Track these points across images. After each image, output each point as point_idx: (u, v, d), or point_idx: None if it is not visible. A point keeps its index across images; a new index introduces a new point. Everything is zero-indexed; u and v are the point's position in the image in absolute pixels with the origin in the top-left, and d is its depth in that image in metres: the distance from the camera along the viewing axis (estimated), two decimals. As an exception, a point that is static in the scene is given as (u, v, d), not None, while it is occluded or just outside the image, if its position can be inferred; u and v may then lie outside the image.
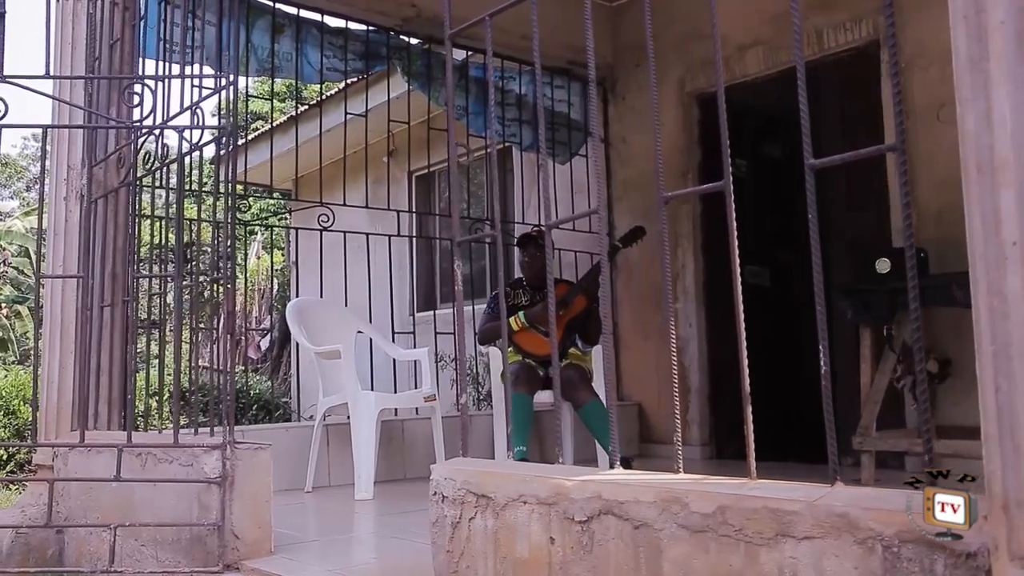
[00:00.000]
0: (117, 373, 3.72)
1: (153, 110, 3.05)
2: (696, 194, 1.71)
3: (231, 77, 2.91)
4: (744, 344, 1.63)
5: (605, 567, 1.67)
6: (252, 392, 7.31)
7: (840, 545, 1.33)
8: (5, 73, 2.87)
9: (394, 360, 4.96)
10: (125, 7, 3.88)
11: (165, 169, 3.36)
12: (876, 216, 4.57)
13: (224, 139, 2.94)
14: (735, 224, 1.66)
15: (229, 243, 2.87)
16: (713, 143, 5.64)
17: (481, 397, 6.07)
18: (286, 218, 11.31)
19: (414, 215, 7.07)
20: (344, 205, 5.11)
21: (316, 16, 4.86)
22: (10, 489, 6.03)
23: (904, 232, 1.44)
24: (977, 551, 1.18)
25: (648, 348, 5.52)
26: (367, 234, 5.21)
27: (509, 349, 4.47)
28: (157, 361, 3.49)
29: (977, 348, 1.20)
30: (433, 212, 7.45)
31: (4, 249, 14.76)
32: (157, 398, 3.97)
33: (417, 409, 4.70)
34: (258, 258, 11.87)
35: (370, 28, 5.04)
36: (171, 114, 3.15)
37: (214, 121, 3.08)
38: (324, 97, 5.93)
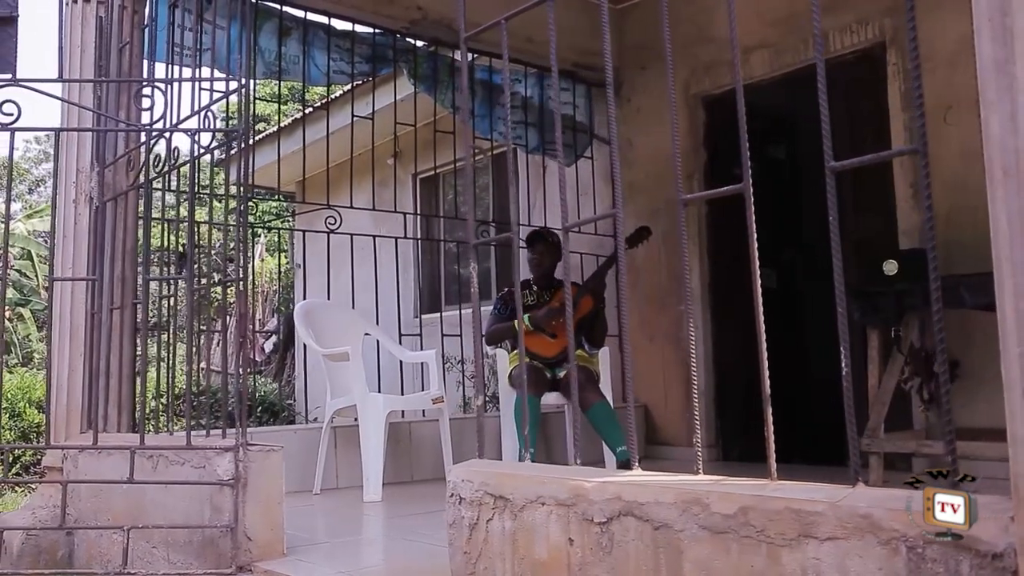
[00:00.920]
0: (126, 375, 3.72)
1: (165, 113, 3.05)
2: (713, 196, 1.72)
3: (243, 80, 2.92)
4: (764, 346, 1.63)
5: (625, 568, 1.67)
6: (258, 395, 7.31)
7: (864, 546, 1.34)
8: (17, 76, 2.87)
9: (401, 362, 4.96)
10: (134, 11, 3.89)
11: (176, 172, 3.36)
12: (882, 218, 4.57)
13: (236, 141, 2.94)
14: (754, 227, 1.66)
15: (242, 245, 2.88)
16: (718, 145, 5.67)
17: (487, 399, 6.07)
18: (288, 220, 11.32)
19: (419, 217, 7.08)
20: (351, 207, 5.11)
21: (323, 19, 4.87)
22: (15, 491, 6.03)
23: (926, 235, 1.45)
24: (1003, 552, 1.19)
25: (654, 350, 5.52)
26: (374, 236, 5.21)
27: (515, 352, 4.48)
28: (165, 364, 3.50)
29: (1002, 350, 1.21)
30: (438, 214, 7.46)
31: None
32: (165, 400, 3.98)
33: (424, 411, 4.70)
34: (261, 260, 11.87)
35: (376, 31, 5.06)
36: (181, 117, 3.16)
37: (221, 124, 3.09)
38: (330, 99, 5.93)
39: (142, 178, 3.49)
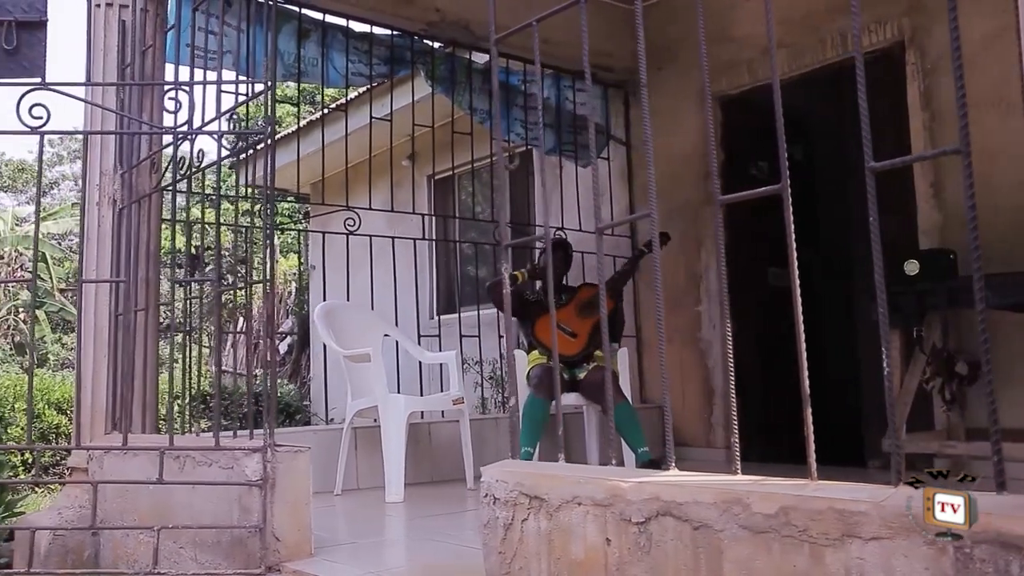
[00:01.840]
0: (150, 377, 3.75)
1: (191, 116, 3.07)
2: (750, 198, 1.73)
3: (268, 82, 2.94)
4: (803, 347, 1.64)
5: (663, 567, 1.68)
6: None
7: (909, 546, 1.34)
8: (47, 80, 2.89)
9: (420, 363, 4.98)
10: (156, 14, 3.92)
11: (200, 173, 3.38)
12: (903, 218, 4.57)
13: (262, 143, 2.96)
14: (792, 227, 1.67)
15: (268, 246, 2.89)
16: (735, 146, 5.67)
17: (503, 399, 6.08)
18: (300, 222, 11.37)
19: (433, 218, 7.09)
20: (370, 209, 5.13)
21: (341, 21, 4.89)
22: (35, 491, 6.07)
23: (969, 235, 1.46)
24: (1055, 551, 1.19)
25: (671, 350, 5.51)
26: (392, 238, 5.23)
27: (535, 352, 4.48)
28: (188, 365, 3.52)
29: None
30: (455, 215, 7.47)
31: (21, 254, 14.85)
32: (188, 402, 4.00)
33: (443, 412, 4.72)
34: (276, 262, 11.91)
35: (394, 33, 5.07)
36: (205, 120, 3.18)
37: (240, 126, 3.10)
38: (348, 100, 5.95)
39: (167, 180, 3.52)
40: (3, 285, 14.63)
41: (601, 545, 1.79)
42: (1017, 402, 3.19)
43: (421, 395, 4.85)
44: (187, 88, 3.11)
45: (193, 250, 4.03)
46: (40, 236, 13.89)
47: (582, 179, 6.03)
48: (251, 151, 3.98)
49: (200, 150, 3.29)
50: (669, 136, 5.62)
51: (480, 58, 5.52)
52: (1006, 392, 3.80)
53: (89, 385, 3.78)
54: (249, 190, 4.79)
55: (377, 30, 5.02)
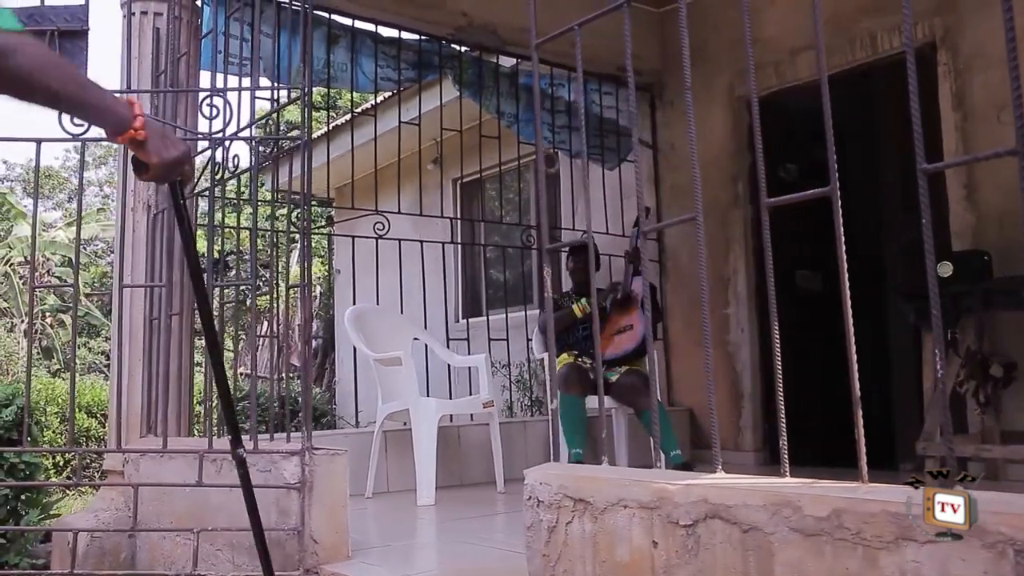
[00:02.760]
0: (185, 381, 3.78)
1: (227, 122, 3.10)
2: (797, 200, 1.72)
3: (305, 88, 2.96)
4: (853, 347, 1.63)
5: (712, 570, 1.68)
6: (300, 399, 7.37)
7: (967, 550, 1.33)
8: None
9: (449, 366, 4.99)
10: (190, 22, 3.96)
11: (235, 179, 3.42)
12: (935, 219, 4.54)
13: (299, 148, 2.99)
14: (841, 230, 1.67)
15: (306, 250, 2.92)
16: (764, 148, 5.65)
17: (531, 403, 6.09)
18: (323, 227, 11.40)
19: (459, 222, 7.11)
20: (399, 213, 5.15)
21: (370, 27, 4.92)
22: (67, 494, 6.14)
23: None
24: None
25: (699, 353, 5.50)
26: (421, 242, 5.25)
27: (563, 355, 4.48)
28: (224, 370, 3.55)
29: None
30: (481, 219, 7.49)
31: (48, 259, 15.03)
32: (220, 405, 4.03)
33: (472, 415, 4.73)
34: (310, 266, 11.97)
35: (422, 38, 5.10)
36: (240, 125, 3.21)
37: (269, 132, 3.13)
38: (376, 104, 5.98)
39: (201, 185, 3.55)
40: (35, 290, 14.82)
41: (647, 548, 1.79)
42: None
43: (450, 398, 4.86)
44: (223, 94, 3.15)
45: (217, 254, 4.06)
46: (67, 241, 14.02)
47: (608, 181, 6.02)
48: (279, 156, 4.02)
49: (236, 155, 3.33)
50: (696, 138, 5.61)
51: (507, 62, 5.53)
52: (1042, 395, 3.77)
53: (124, 389, 3.82)
54: (279, 195, 4.83)
55: (405, 35, 5.05)
